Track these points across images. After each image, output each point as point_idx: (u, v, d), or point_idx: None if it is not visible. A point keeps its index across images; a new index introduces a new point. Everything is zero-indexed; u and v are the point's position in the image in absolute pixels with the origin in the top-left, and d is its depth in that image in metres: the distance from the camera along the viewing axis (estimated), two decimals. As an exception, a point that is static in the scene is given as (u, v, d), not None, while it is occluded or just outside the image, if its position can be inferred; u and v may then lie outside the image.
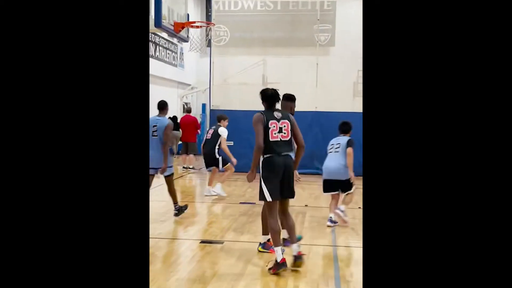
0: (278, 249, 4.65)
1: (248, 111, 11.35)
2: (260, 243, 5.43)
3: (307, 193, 9.40)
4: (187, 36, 11.00)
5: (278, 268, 4.60)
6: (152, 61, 17.67)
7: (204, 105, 17.00)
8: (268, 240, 5.31)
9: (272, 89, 4.89)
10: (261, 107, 4.97)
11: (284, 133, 4.68)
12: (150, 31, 14.26)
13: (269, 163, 4.64)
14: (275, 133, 4.64)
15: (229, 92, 13.04)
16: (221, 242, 5.66)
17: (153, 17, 8.65)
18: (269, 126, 4.64)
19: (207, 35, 12.08)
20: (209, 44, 13.12)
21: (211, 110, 13.40)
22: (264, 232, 5.33)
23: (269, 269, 4.69)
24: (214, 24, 12.53)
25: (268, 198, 4.68)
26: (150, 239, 5.92)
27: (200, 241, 5.95)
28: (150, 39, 17.37)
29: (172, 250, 5.50)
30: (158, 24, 8.70)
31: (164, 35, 17.35)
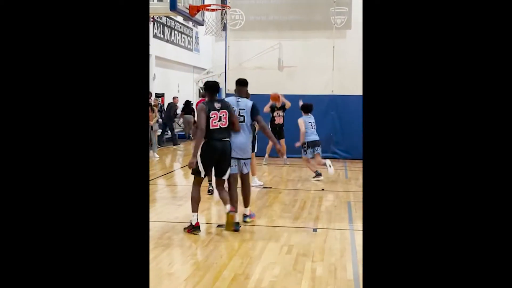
0: (194, 215, 5.52)
1: (264, 95, 11.27)
2: (244, 215, 6.01)
3: (324, 177, 9.35)
4: (203, 20, 10.94)
5: (192, 230, 5.51)
6: (167, 46, 17.67)
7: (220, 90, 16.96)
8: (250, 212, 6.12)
9: (213, 81, 5.90)
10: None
11: (223, 121, 5.51)
12: (165, 15, 14.24)
13: (208, 146, 5.45)
14: (215, 122, 5.45)
15: (245, 76, 12.83)
16: (238, 226, 5.67)
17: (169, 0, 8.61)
18: (210, 116, 5.44)
19: (222, 19, 11.98)
20: (224, 28, 13.01)
21: (227, 95, 13.36)
22: (246, 205, 6.05)
23: (184, 228, 5.59)
24: (230, 7, 12.41)
25: (202, 174, 5.55)
26: (167, 223, 5.97)
27: (217, 225, 5.97)
28: (165, 23, 17.34)
29: (189, 234, 5.52)
30: (173, 7, 8.66)
31: (180, 19, 17.34)
